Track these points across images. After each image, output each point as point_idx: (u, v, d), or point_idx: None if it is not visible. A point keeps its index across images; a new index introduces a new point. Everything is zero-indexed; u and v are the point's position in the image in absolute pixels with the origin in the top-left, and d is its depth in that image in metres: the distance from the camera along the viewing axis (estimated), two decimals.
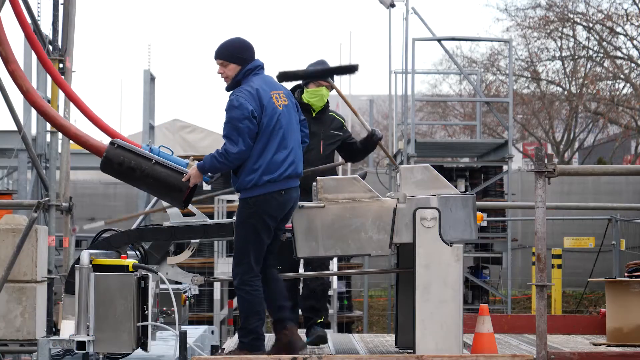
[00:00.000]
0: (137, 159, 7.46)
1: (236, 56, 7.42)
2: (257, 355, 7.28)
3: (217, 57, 7.47)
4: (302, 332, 8.83)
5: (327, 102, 8.73)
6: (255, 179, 7.28)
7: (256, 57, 7.49)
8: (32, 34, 9.55)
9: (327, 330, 8.76)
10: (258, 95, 7.30)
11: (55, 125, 7.97)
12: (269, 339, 8.48)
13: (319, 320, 8.62)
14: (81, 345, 7.02)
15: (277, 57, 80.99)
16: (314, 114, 8.60)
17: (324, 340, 8.44)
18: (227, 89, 7.48)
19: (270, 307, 7.55)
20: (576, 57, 29.60)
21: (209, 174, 7.50)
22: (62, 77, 11.83)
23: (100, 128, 9.86)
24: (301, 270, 8.73)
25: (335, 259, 14.78)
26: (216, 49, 7.46)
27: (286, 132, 7.41)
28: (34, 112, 14.68)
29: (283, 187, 7.37)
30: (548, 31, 29.67)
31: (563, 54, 29.93)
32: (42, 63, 9.73)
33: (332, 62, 8.62)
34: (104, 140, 10.46)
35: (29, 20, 10.88)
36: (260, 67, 7.47)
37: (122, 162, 7.46)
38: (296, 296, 8.84)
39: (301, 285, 8.67)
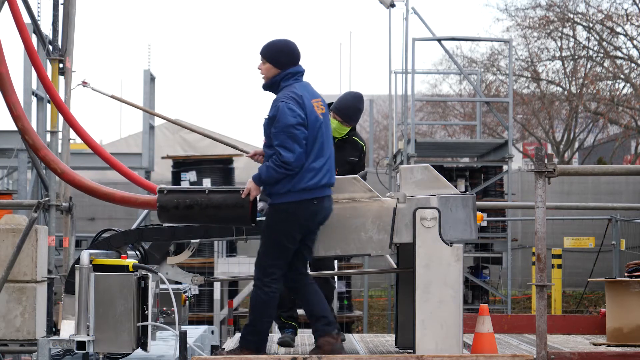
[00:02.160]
0: (191, 195, 7.32)
1: (273, 58, 7.42)
2: (257, 356, 7.28)
3: (260, 52, 7.49)
4: (308, 332, 8.87)
5: (354, 128, 8.67)
6: (290, 186, 7.24)
7: (299, 63, 7.46)
8: (32, 45, 9.54)
9: None
10: (303, 102, 7.29)
11: (98, 195, 7.97)
12: (270, 339, 8.48)
13: None
14: (81, 345, 7.02)
15: None
16: (336, 140, 8.54)
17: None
18: (263, 88, 7.49)
19: (311, 317, 7.50)
20: (576, 57, 29.57)
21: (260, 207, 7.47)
22: (62, 77, 11.84)
23: (85, 140, 9.81)
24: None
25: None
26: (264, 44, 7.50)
27: (324, 141, 7.38)
28: (34, 112, 14.70)
29: (316, 196, 7.30)
30: (548, 31, 29.64)
31: (563, 54, 29.90)
32: (39, 75, 9.70)
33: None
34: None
35: (28, 21, 10.88)
36: (301, 73, 7.47)
37: (177, 204, 7.32)
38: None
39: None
